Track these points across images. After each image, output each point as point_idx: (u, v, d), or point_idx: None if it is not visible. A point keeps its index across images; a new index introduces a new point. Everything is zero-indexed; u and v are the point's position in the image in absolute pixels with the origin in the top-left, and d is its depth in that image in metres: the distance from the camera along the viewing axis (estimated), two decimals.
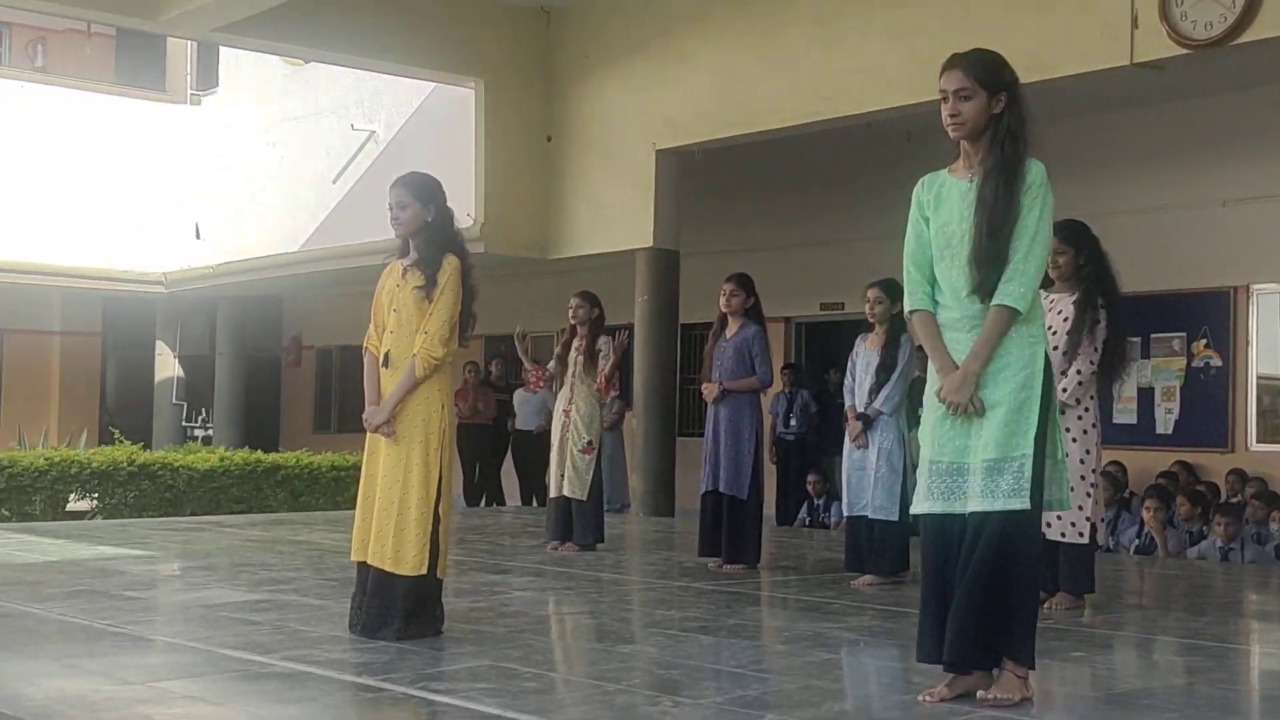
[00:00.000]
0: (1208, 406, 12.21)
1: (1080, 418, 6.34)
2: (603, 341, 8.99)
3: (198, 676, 4.62)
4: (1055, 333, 6.32)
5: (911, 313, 4.32)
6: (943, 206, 4.24)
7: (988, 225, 4.09)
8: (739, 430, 8.07)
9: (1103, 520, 9.89)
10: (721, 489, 8.06)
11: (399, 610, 5.22)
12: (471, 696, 4.23)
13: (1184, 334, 12.31)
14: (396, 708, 4.16)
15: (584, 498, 8.96)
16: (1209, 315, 12.17)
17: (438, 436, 5.30)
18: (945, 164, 4.34)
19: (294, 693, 4.36)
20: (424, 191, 5.43)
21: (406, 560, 5.20)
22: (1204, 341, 12.19)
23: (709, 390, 8.13)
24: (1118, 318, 6.39)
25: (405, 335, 5.33)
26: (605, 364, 8.93)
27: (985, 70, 4.17)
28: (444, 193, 5.49)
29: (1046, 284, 6.54)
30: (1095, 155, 12.52)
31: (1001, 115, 4.15)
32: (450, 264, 5.34)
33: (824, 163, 14.57)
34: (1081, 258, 6.39)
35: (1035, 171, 4.14)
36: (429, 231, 5.40)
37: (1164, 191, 12.53)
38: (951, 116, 4.17)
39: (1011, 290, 4.08)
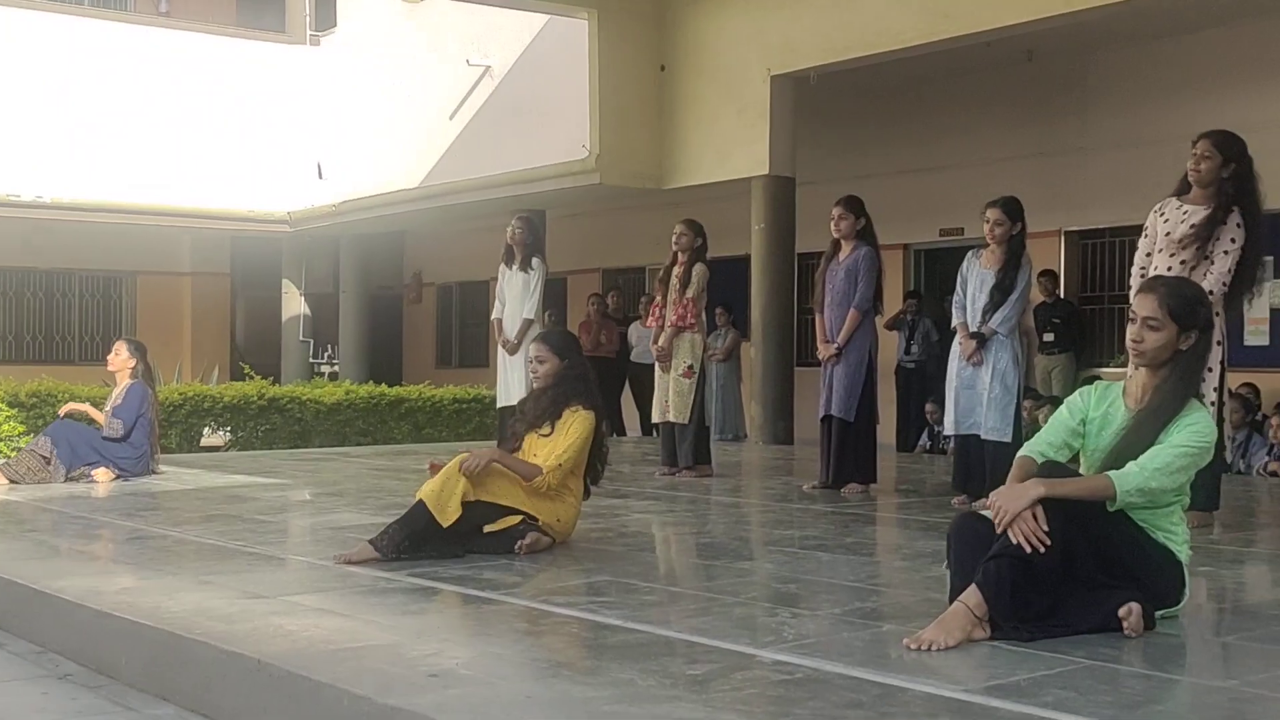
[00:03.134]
0: None
1: None
2: (696, 270, 8.99)
3: (327, 591, 4.75)
4: (1184, 245, 6.19)
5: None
6: (1107, 429, 4.01)
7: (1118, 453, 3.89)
8: (849, 354, 8.05)
9: (1231, 440, 9.75)
10: (833, 412, 8.06)
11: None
12: (590, 609, 4.30)
13: None
14: (518, 619, 4.24)
15: (686, 421, 9.01)
16: None
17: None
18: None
19: (419, 605, 4.47)
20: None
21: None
22: None
23: (824, 350, 8.11)
24: (1257, 237, 6.22)
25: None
26: (692, 291, 8.95)
27: (1182, 305, 3.92)
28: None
29: (1185, 190, 6.38)
30: (1262, 62, 11.89)
31: (1185, 353, 3.92)
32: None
33: (942, 85, 14.31)
34: (1226, 170, 6.20)
35: (1202, 428, 3.87)
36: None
37: None
38: (1134, 342, 3.95)
39: (1126, 472, 3.79)
